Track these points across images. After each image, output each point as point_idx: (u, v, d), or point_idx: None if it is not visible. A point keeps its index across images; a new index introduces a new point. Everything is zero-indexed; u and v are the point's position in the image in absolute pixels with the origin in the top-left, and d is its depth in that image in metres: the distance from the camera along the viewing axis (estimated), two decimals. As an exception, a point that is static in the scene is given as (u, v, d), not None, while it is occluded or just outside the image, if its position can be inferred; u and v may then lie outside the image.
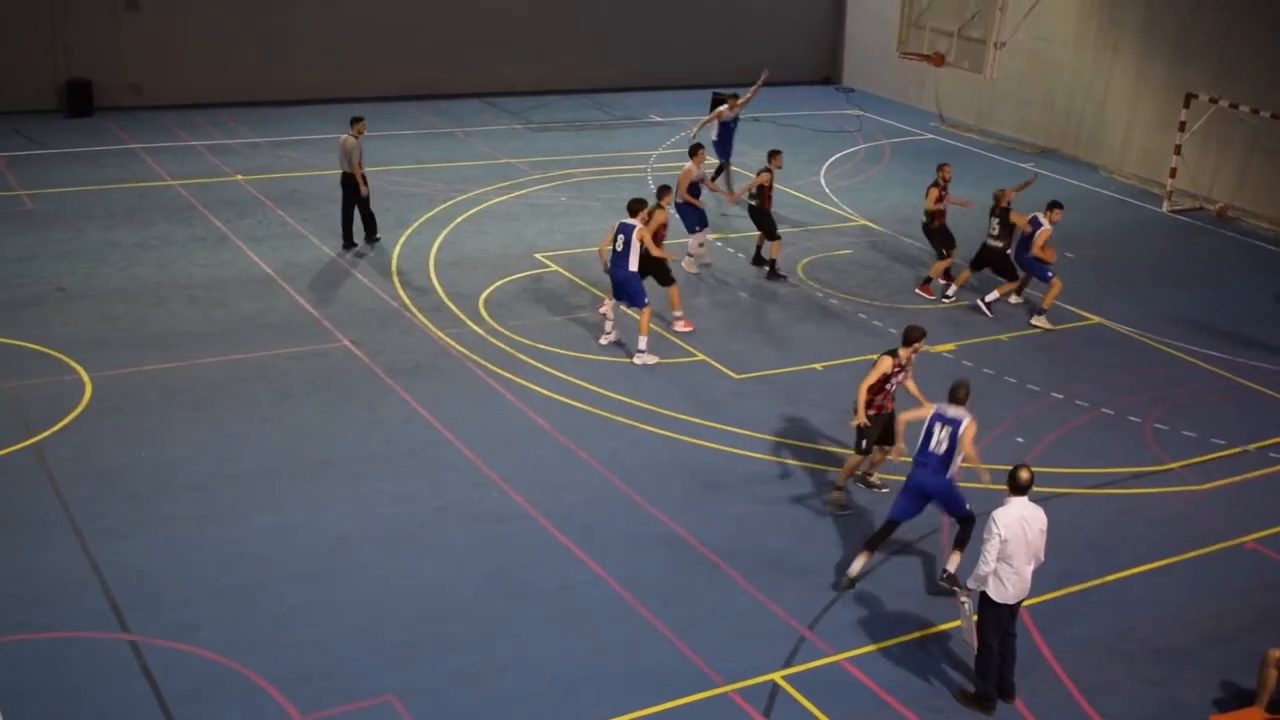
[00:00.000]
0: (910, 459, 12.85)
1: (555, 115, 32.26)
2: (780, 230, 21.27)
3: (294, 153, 26.97)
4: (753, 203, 21.18)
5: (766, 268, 21.40)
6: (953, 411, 12.44)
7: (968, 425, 12.33)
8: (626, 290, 17.69)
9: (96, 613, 11.63)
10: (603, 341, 18.20)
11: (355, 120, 21.20)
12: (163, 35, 29.80)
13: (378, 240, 21.70)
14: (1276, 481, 15.82)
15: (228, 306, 18.72)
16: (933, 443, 12.45)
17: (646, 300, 17.60)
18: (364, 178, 21.21)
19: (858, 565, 12.87)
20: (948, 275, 21.27)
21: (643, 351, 17.68)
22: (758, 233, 21.58)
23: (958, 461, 12.40)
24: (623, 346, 18.03)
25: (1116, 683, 11.71)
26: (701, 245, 21.45)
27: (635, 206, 17.65)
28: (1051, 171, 30.09)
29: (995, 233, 20.13)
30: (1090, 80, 31.16)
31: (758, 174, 21.17)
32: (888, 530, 12.86)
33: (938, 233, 21.10)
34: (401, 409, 15.90)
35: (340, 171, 21.26)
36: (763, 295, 20.58)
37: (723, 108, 25.72)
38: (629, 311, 18.39)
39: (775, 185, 21.40)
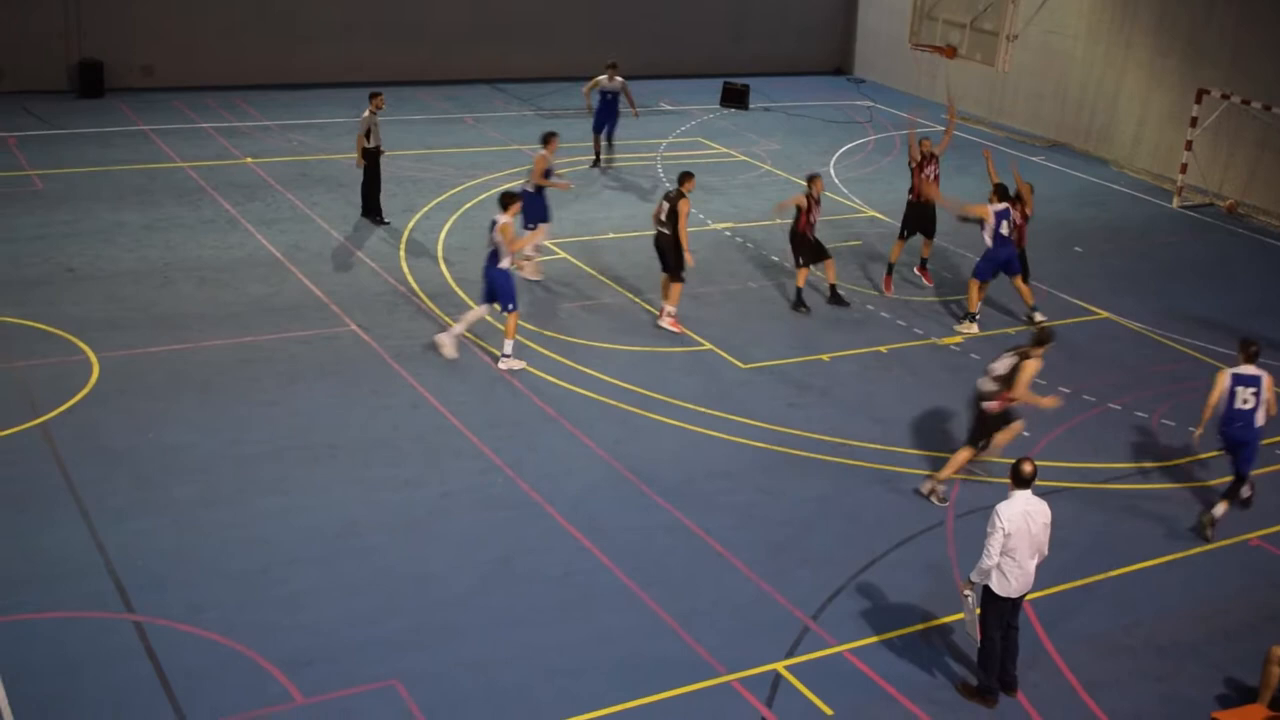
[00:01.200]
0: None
1: (565, 102, 32.22)
2: (788, 221, 20.97)
3: (304, 136, 26.97)
4: (784, 221, 19.80)
5: (827, 293, 20.01)
6: (1249, 370, 13.96)
7: (1269, 382, 13.96)
8: (495, 289, 16.63)
9: (101, 593, 11.66)
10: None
11: (372, 95, 21.46)
12: (175, 17, 29.85)
13: (384, 224, 21.78)
14: (1282, 479, 15.83)
15: (236, 289, 18.74)
16: (1238, 401, 13.90)
17: (514, 305, 16.61)
18: (364, 152, 21.45)
19: (1219, 509, 14.19)
20: (922, 267, 21.22)
21: (508, 356, 16.66)
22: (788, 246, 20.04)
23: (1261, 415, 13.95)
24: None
25: (1119, 678, 11.71)
26: (536, 249, 19.97)
27: (505, 200, 16.64)
28: (1062, 165, 30.07)
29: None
30: (1102, 74, 31.09)
31: (795, 196, 19.46)
32: (1239, 484, 14.38)
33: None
34: (409, 394, 15.91)
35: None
36: (771, 285, 20.56)
37: (601, 77, 25.79)
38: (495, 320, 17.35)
39: (816, 206, 19.31)
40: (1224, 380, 14.03)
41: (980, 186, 25.94)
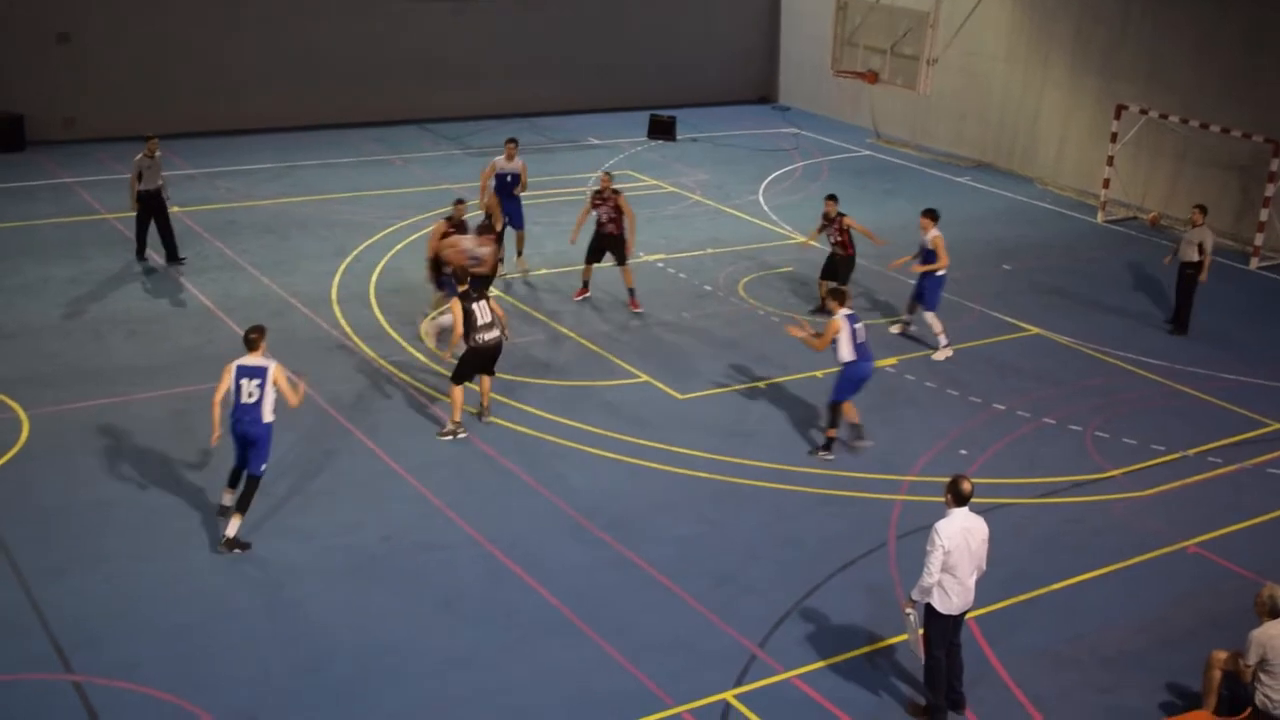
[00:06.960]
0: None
1: (493, 140, 32.19)
2: (719, 250, 21.08)
3: (231, 183, 26.79)
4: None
5: None
6: (254, 360, 13.15)
7: (276, 372, 13.12)
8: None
9: (38, 653, 11.45)
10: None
11: (146, 139, 21.53)
12: (95, 69, 29.54)
13: (180, 262, 21.75)
14: (1216, 486, 16.02)
15: (167, 340, 18.54)
16: (243, 395, 13.08)
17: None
18: (137, 195, 21.31)
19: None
20: None
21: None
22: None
23: None
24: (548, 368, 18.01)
25: (1065, 690, 11.79)
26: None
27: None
28: (988, 185, 30.42)
29: None
30: (1023, 94, 31.52)
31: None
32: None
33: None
34: (345, 439, 15.79)
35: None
36: (704, 315, 20.62)
37: (499, 157, 21.70)
38: None
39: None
40: (229, 373, 13.13)
41: (912, 207, 26.18)
